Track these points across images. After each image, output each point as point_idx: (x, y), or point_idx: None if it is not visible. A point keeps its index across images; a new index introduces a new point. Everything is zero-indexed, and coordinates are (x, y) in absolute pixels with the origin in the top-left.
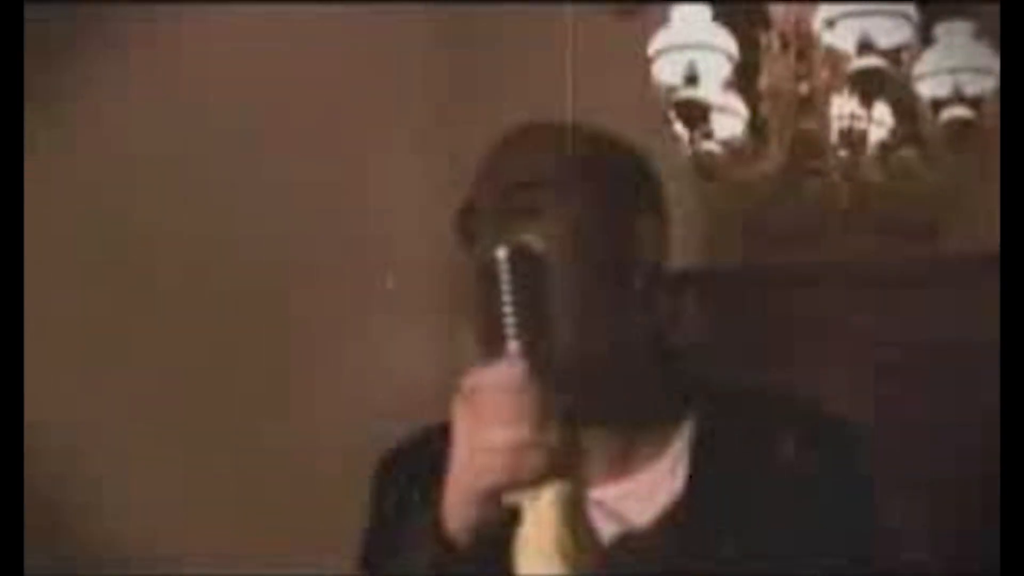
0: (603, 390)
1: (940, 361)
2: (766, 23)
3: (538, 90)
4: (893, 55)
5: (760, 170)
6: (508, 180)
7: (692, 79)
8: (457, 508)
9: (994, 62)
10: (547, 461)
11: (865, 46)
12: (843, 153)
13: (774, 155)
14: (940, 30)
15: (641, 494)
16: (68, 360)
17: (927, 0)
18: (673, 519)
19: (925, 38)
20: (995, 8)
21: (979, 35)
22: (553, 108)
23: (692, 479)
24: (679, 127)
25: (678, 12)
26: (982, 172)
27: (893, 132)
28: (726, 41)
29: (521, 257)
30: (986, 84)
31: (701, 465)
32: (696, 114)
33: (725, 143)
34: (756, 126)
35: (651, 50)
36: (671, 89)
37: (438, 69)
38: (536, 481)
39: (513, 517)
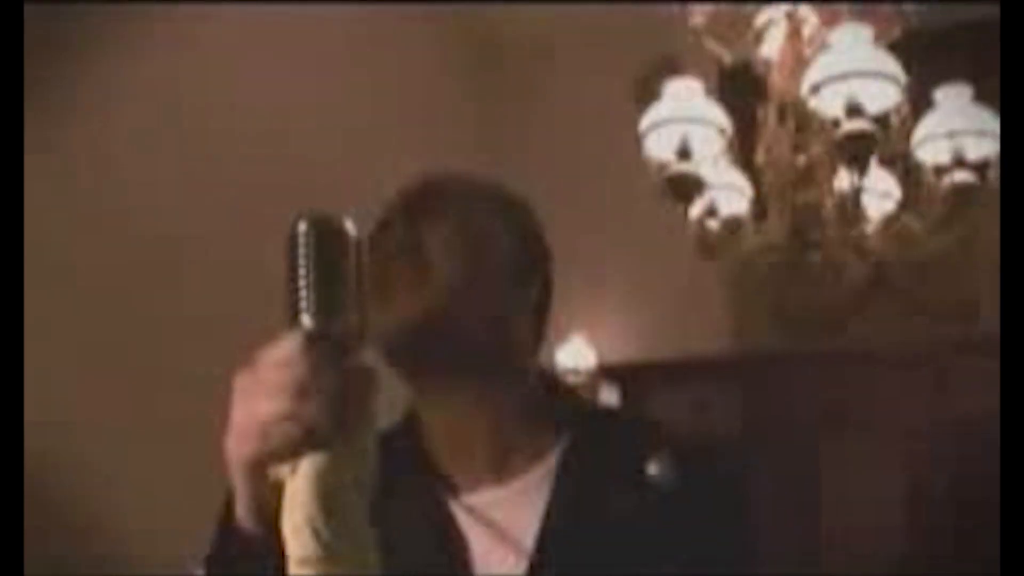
0: (486, 385)
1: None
2: (763, 95)
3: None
4: (883, 120)
5: (761, 244)
6: (411, 192)
7: (685, 153)
8: (234, 485)
9: (996, 124)
10: (301, 433)
11: (853, 110)
12: (842, 225)
13: (774, 228)
14: (939, 94)
15: (514, 501)
16: (68, 360)
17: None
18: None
19: (925, 102)
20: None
21: (979, 98)
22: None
23: (556, 494)
24: (673, 202)
25: (670, 88)
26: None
27: (899, 203)
28: (718, 115)
29: (322, 231)
30: (990, 147)
31: (568, 481)
32: (689, 189)
33: (729, 220)
34: (757, 200)
35: (642, 125)
36: (663, 165)
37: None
38: (289, 453)
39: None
